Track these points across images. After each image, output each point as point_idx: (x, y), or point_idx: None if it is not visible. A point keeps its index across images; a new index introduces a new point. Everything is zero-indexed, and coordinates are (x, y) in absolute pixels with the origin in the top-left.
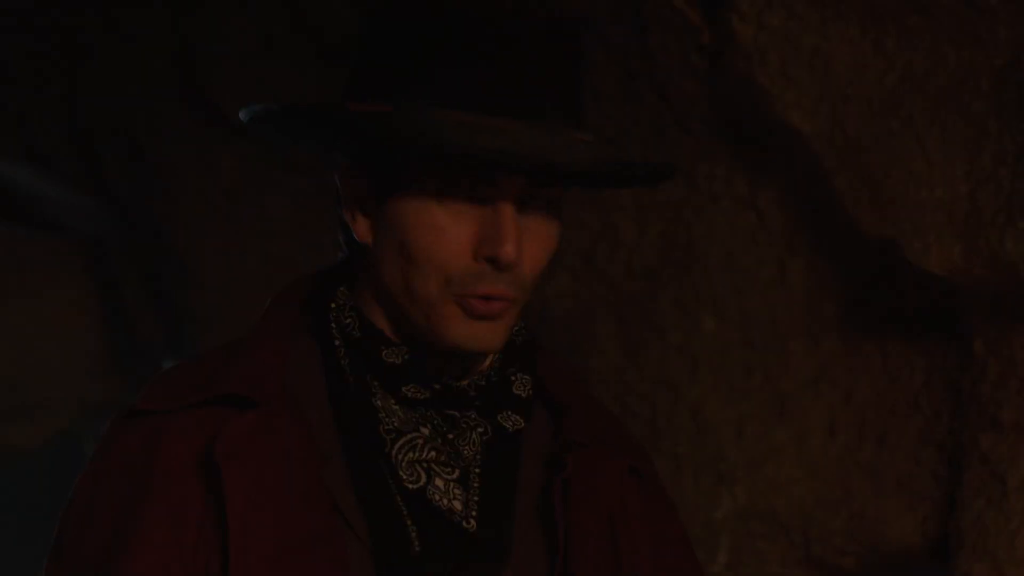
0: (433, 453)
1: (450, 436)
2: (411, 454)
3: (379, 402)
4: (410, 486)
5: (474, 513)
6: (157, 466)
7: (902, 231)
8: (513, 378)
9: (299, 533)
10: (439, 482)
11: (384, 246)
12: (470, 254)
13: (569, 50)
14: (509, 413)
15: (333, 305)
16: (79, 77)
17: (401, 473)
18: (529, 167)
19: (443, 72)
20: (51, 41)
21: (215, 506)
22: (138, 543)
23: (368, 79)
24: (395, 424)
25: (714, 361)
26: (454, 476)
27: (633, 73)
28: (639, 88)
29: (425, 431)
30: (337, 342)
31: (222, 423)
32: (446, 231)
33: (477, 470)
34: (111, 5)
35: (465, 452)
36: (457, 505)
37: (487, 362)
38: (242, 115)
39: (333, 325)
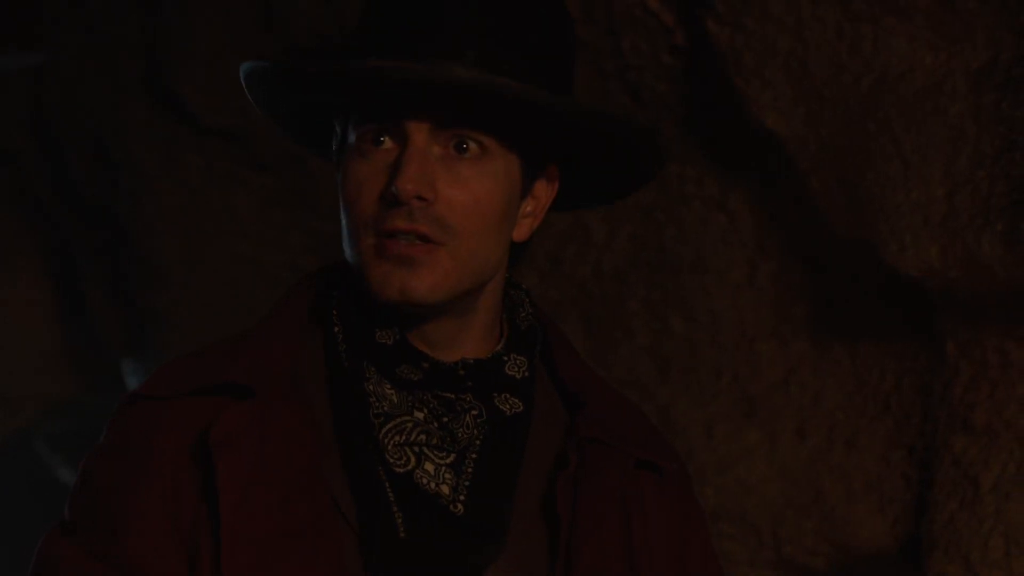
0: (423, 436)
1: (445, 419)
2: (398, 437)
3: (372, 387)
4: (398, 470)
5: (462, 497)
6: (156, 451)
7: (878, 233)
8: (506, 358)
9: (292, 521)
10: (429, 466)
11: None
12: (381, 196)
13: (498, 3)
14: (507, 396)
15: (335, 293)
16: (44, 74)
17: (388, 457)
18: (418, 94)
19: (364, 26)
20: (15, 36)
21: (209, 493)
22: (135, 527)
23: (343, 45)
24: (385, 408)
25: (683, 362)
26: (448, 460)
27: (605, 74)
28: (611, 89)
29: (419, 415)
30: (337, 328)
31: (219, 411)
32: (366, 181)
33: (474, 455)
34: (77, 1)
35: (460, 435)
36: (445, 489)
37: (472, 341)
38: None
39: (335, 311)
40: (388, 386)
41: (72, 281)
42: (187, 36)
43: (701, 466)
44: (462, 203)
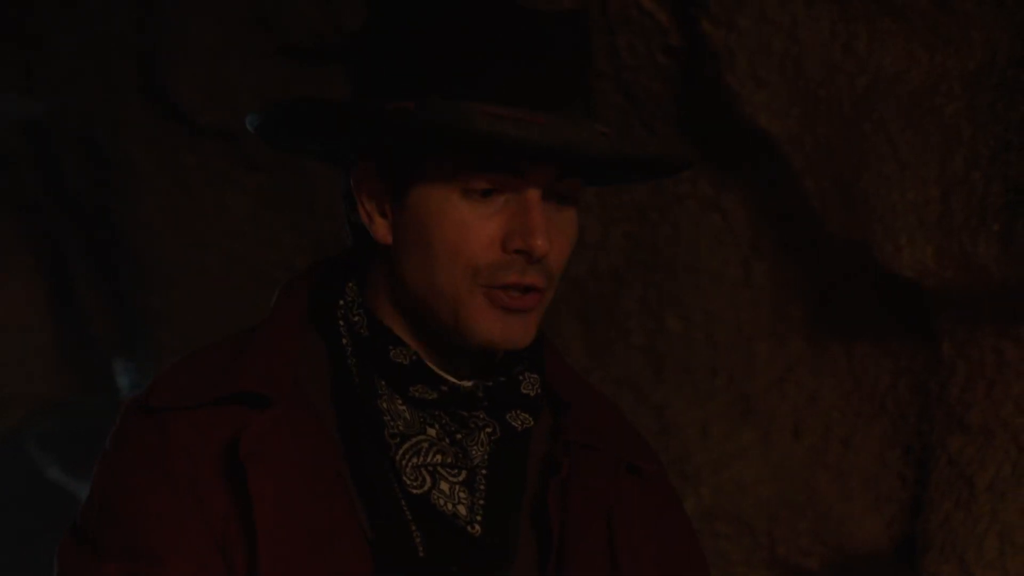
0: (439, 456)
1: (458, 436)
2: (415, 459)
3: (385, 404)
4: (414, 491)
5: (479, 517)
6: (179, 466)
7: (873, 233)
8: (521, 377)
9: (323, 531)
10: (444, 486)
11: (406, 244)
12: (499, 247)
13: (582, 42)
14: (517, 412)
15: (341, 302)
16: (36, 73)
17: (405, 479)
18: (564, 157)
19: (462, 65)
20: (6, 36)
21: (240, 504)
22: (178, 545)
23: (384, 76)
24: (400, 428)
25: (679, 361)
26: (460, 479)
27: (599, 73)
28: (605, 88)
29: (432, 432)
30: (345, 340)
31: (242, 421)
32: (473, 225)
33: (484, 471)
34: (70, 1)
35: (473, 452)
36: (462, 509)
37: (484, 359)
38: (253, 120)
39: (341, 323)
40: (400, 402)
41: (65, 280)
42: (182, 36)
43: (696, 466)
44: (563, 252)
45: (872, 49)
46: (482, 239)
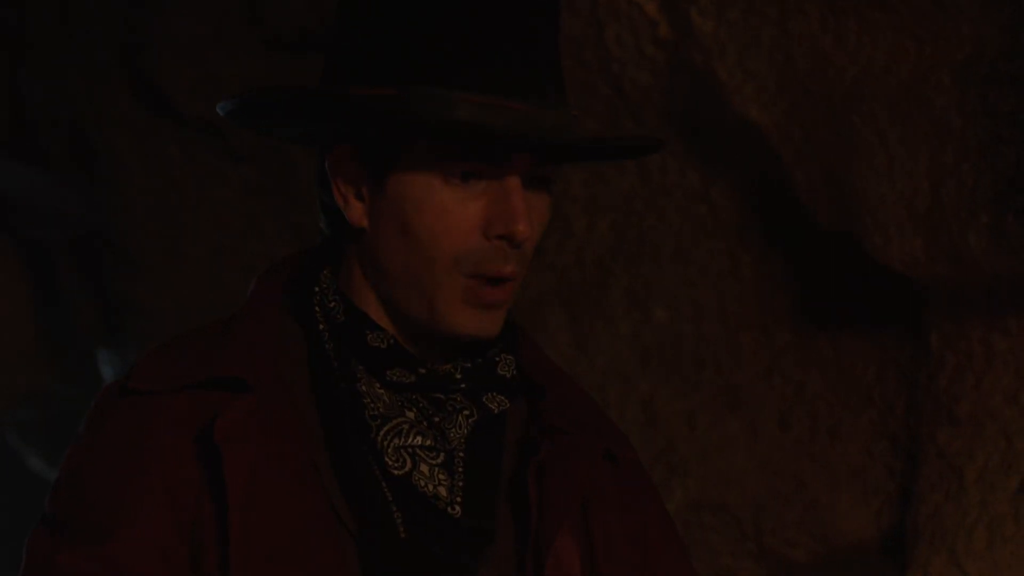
0: (419, 438)
1: (436, 419)
2: (397, 440)
3: (364, 387)
4: (396, 472)
5: (459, 499)
6: (152, 446)
7: (862, 225)
8: (497, 359)
9: (295, 519)
10: (424, 468)
11: (383, 229)
12: (479, 234)
13: (555, 25)
14: (494, 394)
15: (317, 288)
16: (22, 66)
17: (387, 460)
18: (546, 146)
19: (443, 54)
20: None
21: (213, 488)
22: (135, 520)
23: (361, 62)
24: (380, 410)
25: (665, 353)
26: (439, 461)
27: (587, 65)
28: (593, 80)
29: (411, 415)
30: (321, 326)
31: (220, 405)
32: (453, 212)
33: (461, 454)
34: None
35: (451, 435)
36: (442, 491)
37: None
38: (226, 105)
39: (317, 309)
40: (378, 385)
41: (48, 270)
42: (168, 27)
43: (683, 457)
44: (538, 237)
45: (862, 41)
46: (463, 225)
